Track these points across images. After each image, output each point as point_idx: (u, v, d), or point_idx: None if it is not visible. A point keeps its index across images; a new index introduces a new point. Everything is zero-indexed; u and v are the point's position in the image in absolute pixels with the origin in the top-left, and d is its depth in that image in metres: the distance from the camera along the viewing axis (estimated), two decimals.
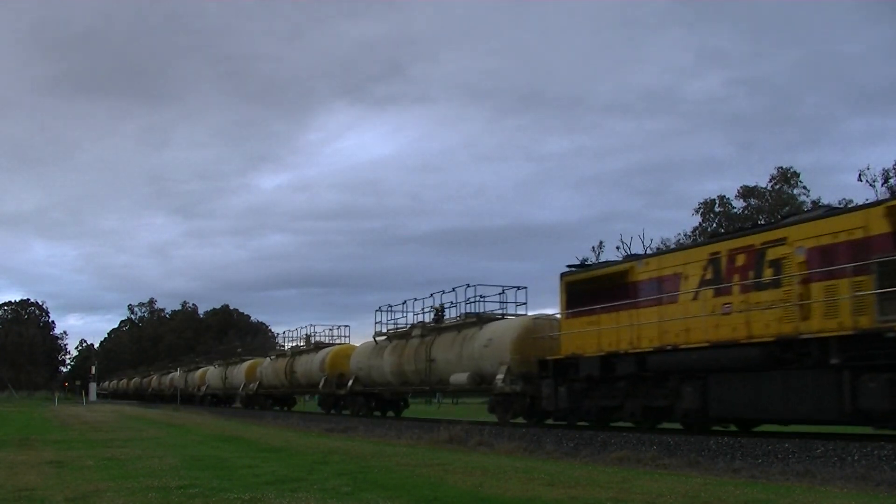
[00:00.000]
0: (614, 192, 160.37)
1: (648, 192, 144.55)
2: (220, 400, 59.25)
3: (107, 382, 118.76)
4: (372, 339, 33.35)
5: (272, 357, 47.10)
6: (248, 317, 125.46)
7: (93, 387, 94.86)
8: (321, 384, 37.32)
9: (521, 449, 17.22)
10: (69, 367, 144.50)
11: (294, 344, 45.26)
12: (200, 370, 64.99)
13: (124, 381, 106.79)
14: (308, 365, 39.96)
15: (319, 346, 40.80)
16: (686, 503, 9.25)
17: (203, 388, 61.63)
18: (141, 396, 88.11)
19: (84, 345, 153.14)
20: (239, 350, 64.06)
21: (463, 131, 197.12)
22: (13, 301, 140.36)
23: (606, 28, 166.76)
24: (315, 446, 18.19)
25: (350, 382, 34.44)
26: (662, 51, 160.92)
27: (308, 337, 43.52)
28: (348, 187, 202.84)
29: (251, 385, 48.32)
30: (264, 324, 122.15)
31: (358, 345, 36.46)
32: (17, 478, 12.35)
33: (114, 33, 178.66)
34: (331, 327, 43.05)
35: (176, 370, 72.78)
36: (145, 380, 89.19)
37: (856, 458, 12.46)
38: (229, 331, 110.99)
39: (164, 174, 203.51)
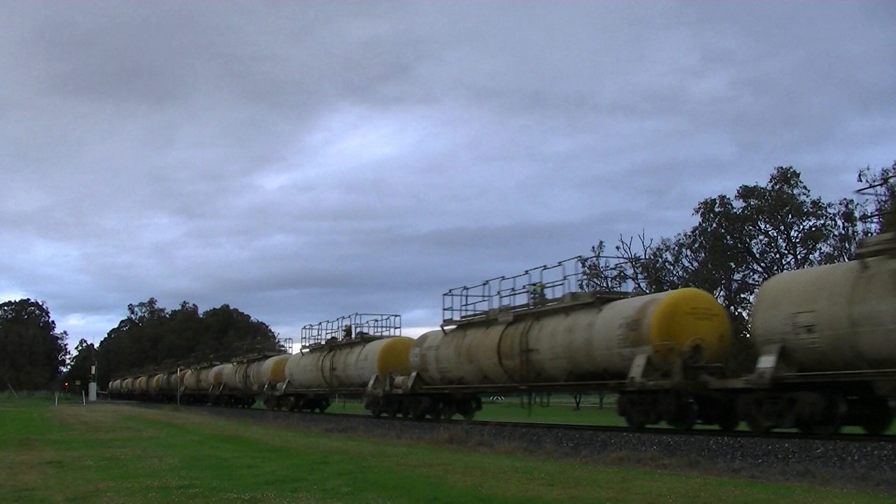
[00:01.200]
0: (618, 192, 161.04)
1: (652, 192, 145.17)
2: (237, 400, 55.93)
3: (118, 381, 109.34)
4: (439, 329, 27.71)
5: (304, 352, 41.35)
6: (248, 317, 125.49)
7: (93, 387, 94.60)
8: (371, 383, 31.25)
9: (521, 449, 17.22)
10: (69, 367, 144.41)
11: (331, 336, 38.32)
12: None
13: (141, 379, 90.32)
14: (353, 361, 33.90)
15: (366, 338, 34.53)
16: (686, 503, 9.25)
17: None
18: (170, 398, 70.59)
19: (84, 345, 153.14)
20: (259, 346, 58.74)
21: (467, 131, 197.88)
22: (13, 301, 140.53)
23: (611, 28, 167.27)
24: (315, 446, 18.19)
25: (410, 381, 28.62)
26: (667, 51, 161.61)
27: (349, 328, 36.78)
28: (352, 187, 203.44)
29: (279, 385, 43.34)
30: (264, 324, 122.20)
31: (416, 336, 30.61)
32: (17, 478, 12.36)
33: (118, 33, 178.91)
34: (377, 317, 35.97)
35: (231, 362, 59.74)
36: (172, 378, 71.87)
37: (856, 458, 12.45)
38: (229, 330, 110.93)
39: (167, 174, 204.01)
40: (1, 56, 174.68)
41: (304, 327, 41.44)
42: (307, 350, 40.44)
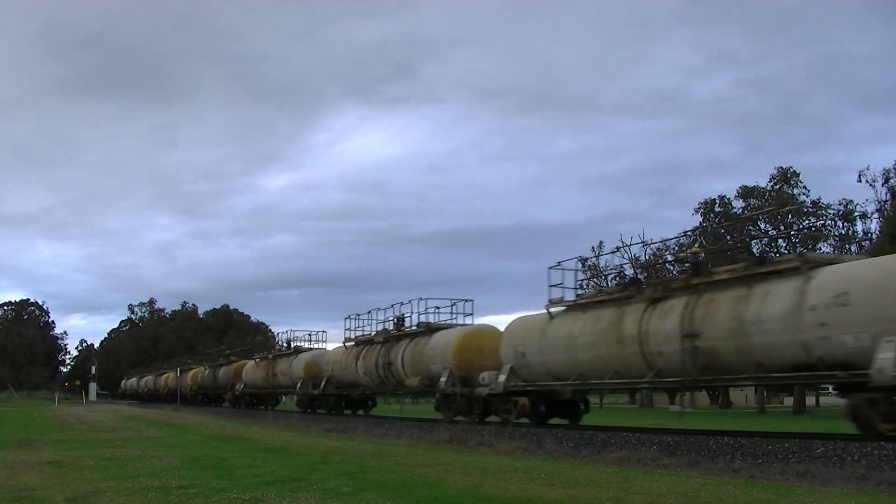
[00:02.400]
0: (620, 192, 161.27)
1: (655, 192, 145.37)
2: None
3: (134, 379, 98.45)
4: (544, 312, 23.67)
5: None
6: (248, 317, 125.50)
7: (93, 387, 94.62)
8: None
9: (521, 449, 17.21)
10: (69, 367, 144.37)
11: (382, 327, 35.30)
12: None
13: (168, 375, 74.79)
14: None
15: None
16: (686, 503, 9.25)
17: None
18: (215, 398, 59.49)
19: (84, 345, 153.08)
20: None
21: (470, 132, 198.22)
22: (13, 301, 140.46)
23: (615, 29, 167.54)
24: (315, 446, 18.18)
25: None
26: (671, 52, 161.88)
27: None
28: (354, 187, 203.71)
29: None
30: (264, 324, 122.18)
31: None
32: (17, 478, 12.36)
33: (122, 34, 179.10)
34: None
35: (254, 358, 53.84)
36: (222, 371, 56.43)
37: (856, 458, 12.44)
38: (229, 330, 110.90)
39: (170, 174, 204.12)
40: (4, 56, 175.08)
41: (349, 317, 35.86)
42: (351, 343, 35.64)
